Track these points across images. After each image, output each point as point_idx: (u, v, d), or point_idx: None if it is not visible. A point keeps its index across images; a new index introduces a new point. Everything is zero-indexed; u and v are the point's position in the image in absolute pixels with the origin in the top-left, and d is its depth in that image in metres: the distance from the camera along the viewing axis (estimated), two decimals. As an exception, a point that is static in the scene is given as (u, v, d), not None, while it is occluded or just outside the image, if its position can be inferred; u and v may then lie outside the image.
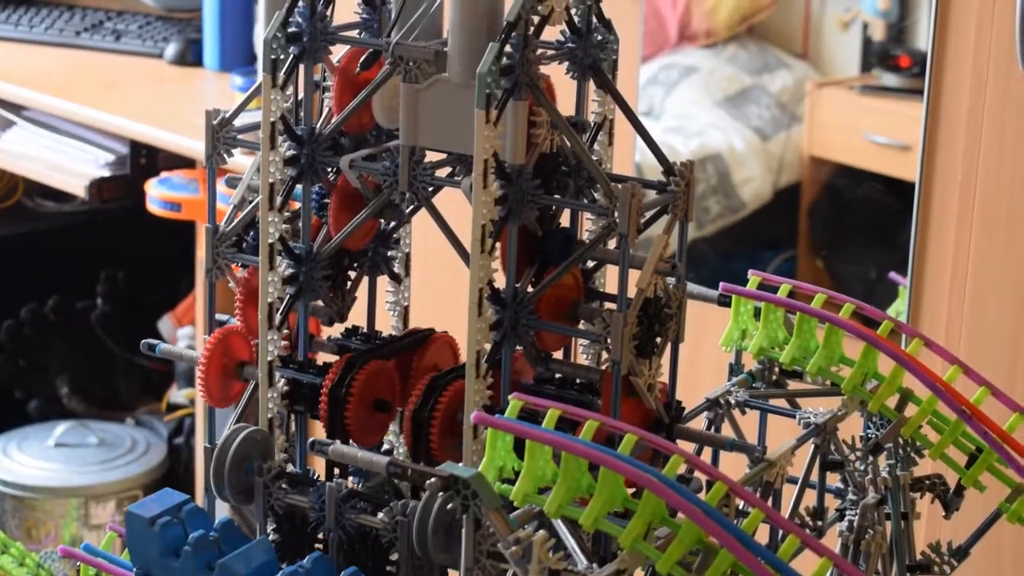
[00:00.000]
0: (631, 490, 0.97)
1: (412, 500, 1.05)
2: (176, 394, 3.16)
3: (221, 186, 1.18)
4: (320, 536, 1.11)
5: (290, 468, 1.15)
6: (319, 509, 1.09)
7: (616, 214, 1.03)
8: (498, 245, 1.05)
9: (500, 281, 1.05)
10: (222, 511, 2.07)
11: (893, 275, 1.87)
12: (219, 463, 1.11)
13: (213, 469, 1.11)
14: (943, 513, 1.18)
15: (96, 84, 2.88)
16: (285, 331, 1.14)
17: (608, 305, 1.12)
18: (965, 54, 1.79)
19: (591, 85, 1.12)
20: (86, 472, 3.01)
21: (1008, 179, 1.79)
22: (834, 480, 1.18)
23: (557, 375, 1.12)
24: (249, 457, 1.11)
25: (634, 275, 1.05)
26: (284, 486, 1.11)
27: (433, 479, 0.95)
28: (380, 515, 1.06)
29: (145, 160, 2.75)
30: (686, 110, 2.19)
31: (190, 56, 2.97)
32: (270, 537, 1.11)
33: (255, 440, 1.12)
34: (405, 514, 1.04)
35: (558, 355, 1.13)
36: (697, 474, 1.04)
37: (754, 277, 1.19)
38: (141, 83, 2.90)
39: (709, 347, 1.21)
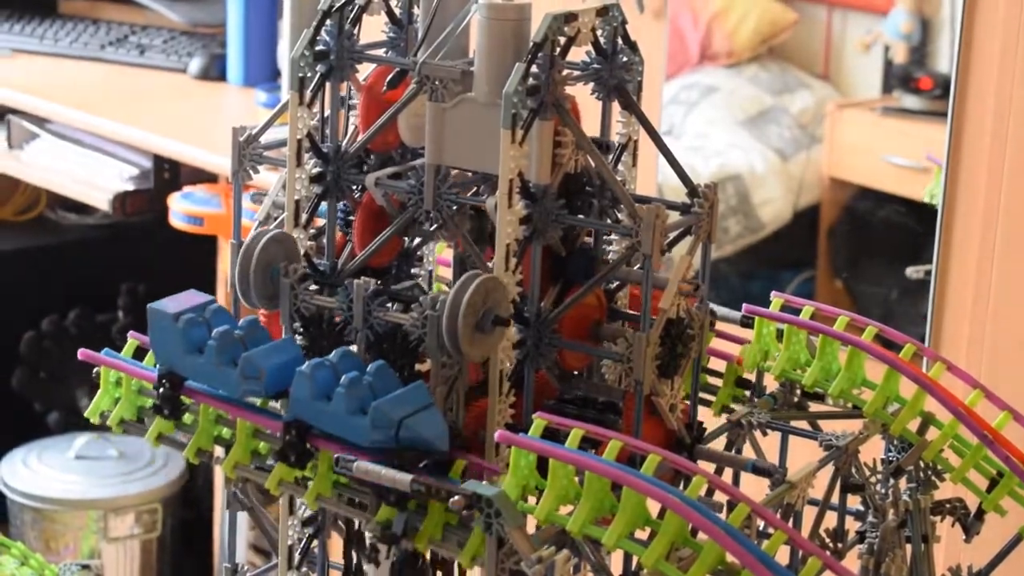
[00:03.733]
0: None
1: (441, 295, 1.02)
2: (195, 408, 3.17)
3: (246, 202, 1.19)
4: (347, 338, 1.08)
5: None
6: (347, 309, 1.07)
7: (640, 235, 1.03)
8: (521, 264, 1.05)
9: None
10: (240, 532, 2.07)
11: (930, 156, 1.86)
12: (244, 267, 1.08)
13: (238, 273, 1.09)
14: (963, 537, 1.18)
15: (120, 98, 2.89)
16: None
17: (630, 325, 1.12)
18: (989, 77, 1.79)
19: (616, 106, 1.12)
20: (105, 485, 3.01)
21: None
22: (855, 502, 1.18)
23: (579, 394, 1.12)
24: (274, 261, 1.09)
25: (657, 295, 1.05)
26: (311, 287, 1.09)
27: (457, 496, 0.95)
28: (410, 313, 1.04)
29: (168, 174, 2.76)
30: (706, 130, 2.20)
31: (214, 71, 2.98)
32: (297, 342, 1.09)
33: (279, 243, 1.09)
34: (435, 308, 1.02)
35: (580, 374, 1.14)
36: (718, 495, 1.03)
37: (776, 299, 1.19)
38: (165, 97, 2.91)
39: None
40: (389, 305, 1.07)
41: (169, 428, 1.10)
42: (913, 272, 1.93)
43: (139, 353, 1.14)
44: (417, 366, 1.07)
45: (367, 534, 1.10)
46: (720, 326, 1.18)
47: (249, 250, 1.09)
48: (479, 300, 1.01)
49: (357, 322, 1.06)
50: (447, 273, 1.18)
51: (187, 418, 1.10)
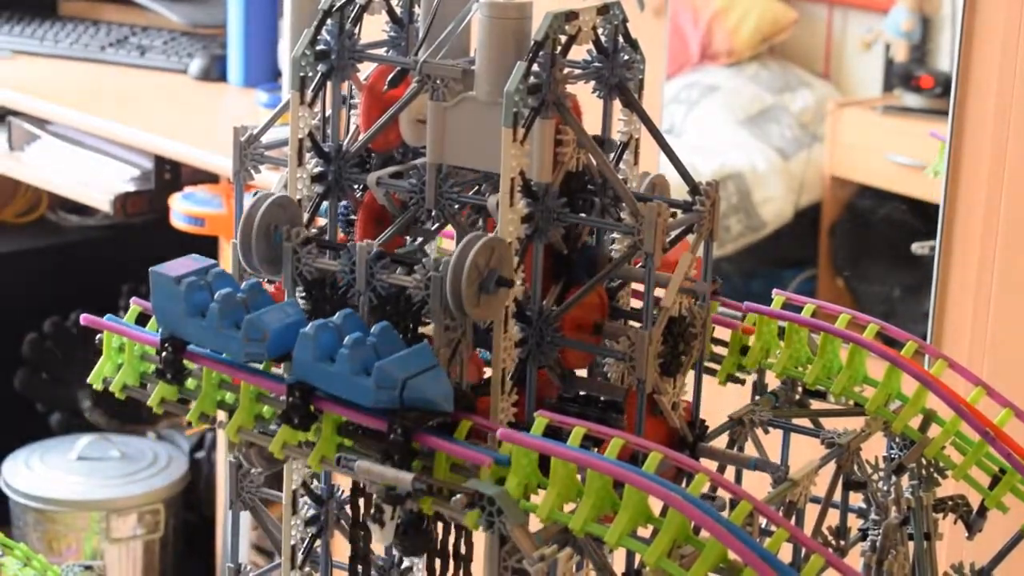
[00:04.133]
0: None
1: (445, 257, 1.01)
2: (197, 408, 3.17)
3: (248, 202, 1.19)
4: (351, 301, 1.07)
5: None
6: (349, 272, 1.06)
7: (642, 233, 1.03)
8: (523, 263, 1.05)
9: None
10: (243, 532, 2.07)
11: (933, 132, 1.85)
12: (246, 230, 1.08)
13: (240, 237, 1.08)
14: (966, 534, 1.18)
15: (121, 99, 2.90)
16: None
17: (633, 323, 1.12)
18: (990, 75, 1.79)
19: (617, 104, 1.12)
20: (108, 486, 3.01)
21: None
22: (857, 500, 1.18)
23: (581, 393, 1.12)
24: (276, 224, 1.08)
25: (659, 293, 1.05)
26: (313, 250, 1.08)
27: (459, 495, 0.95)
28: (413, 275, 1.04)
29: (169, 175, 2.76)
30: (707, 129, 2.20)
31: (214, 72, 2.98)
32: (300, 306, 1.08)
33: (281, 207, 1.08)
34: (438, 270, 1.01)
35: (582, 373, 1.14)
36: (721, 492, 1.04)
37: (778, 297, 1.19)
38: (165, 98, 2.91)
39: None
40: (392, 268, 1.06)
41: (172, 393, 1.09)
42: (918, 248, 1.92)
43: (142, 319, 1.14)
44: (420, 329, 1.06)
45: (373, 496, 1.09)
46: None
47: (251, 214, 1.08)
48: (483, 261, 1.00)
49: (360, 285, 1.05)
50: (451, 246, 1.17)
51: (190, 383, 1.09)
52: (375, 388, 0.98)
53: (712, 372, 1.17)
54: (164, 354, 1.07)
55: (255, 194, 1.09)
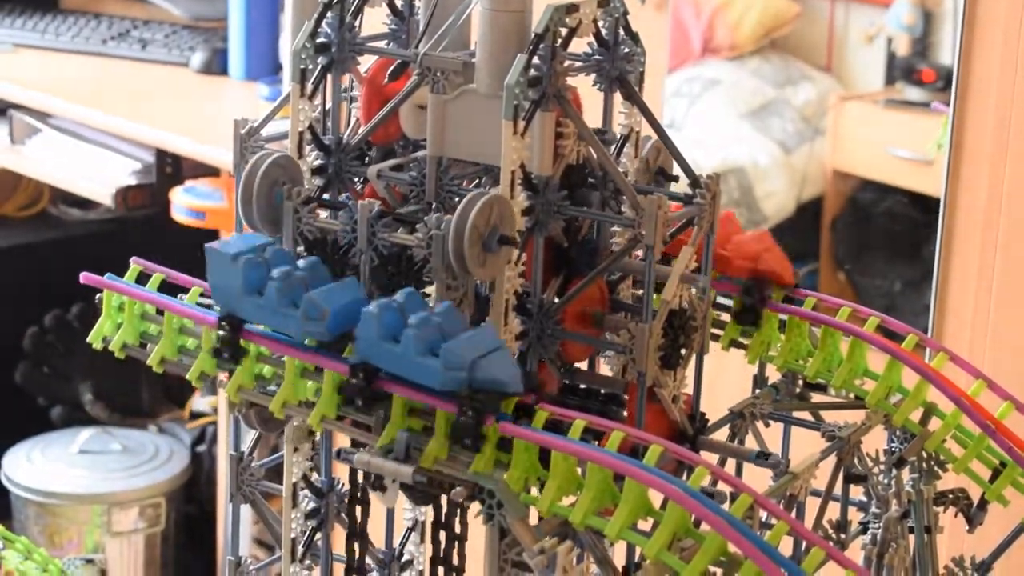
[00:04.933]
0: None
1: (447, 215, 1.01)
2: (199, 402, 3.17)
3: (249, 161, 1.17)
4: (352, 261, 1.07)
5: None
6: (351, 231, 1.06)
7: (642, 226, 1.03)
8: (524, 255, 1.05)
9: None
10: (243, 526, 2.07)
11: (936, 105, 1.85)
12: (247, 189, 1.07)
13: (241, 196, 1.07)
14: (966, 527, 1.18)
15: (122, 93, 2.90)
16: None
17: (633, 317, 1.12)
18: (991, 69, 1.79)
19: (617, 97, 1.12)
20: (109, 479, 3.02)
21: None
22: (857, 493, 1.18)
23: (581, 386, 1.12)
24: (277, 183, 1.07)
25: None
26: (314, 209, 1.07)
27: (459, 487, 0.95)
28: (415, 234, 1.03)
29: (170, 168, 2.76)
30: (709, 122, 2.20)
31: (216, 65, 2.98)
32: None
33: (282, 166, 1.07)
34: (440, 228, 1.00)
35: (582, 365, 1.14)
36: (721, 486, 1.04)
37: (778, 291, 1.19)
38: (167, 92, 2.91)
39: (733, 359, 1.21)
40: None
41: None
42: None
43: (142, 279, 1.13)
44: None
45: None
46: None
47: (252, 173, 1.07)
48: (484, 219, 0.99)
49: (361, 244, 1.05)
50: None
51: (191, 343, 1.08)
52: (444, 370, 0.95)
53: (716, 338, 1.17)
54: (221, 333, 1.05)
55: (256, 155, 1.08)
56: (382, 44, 1.15)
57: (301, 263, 1.02)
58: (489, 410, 0.96)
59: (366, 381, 0.99)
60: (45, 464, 3.04)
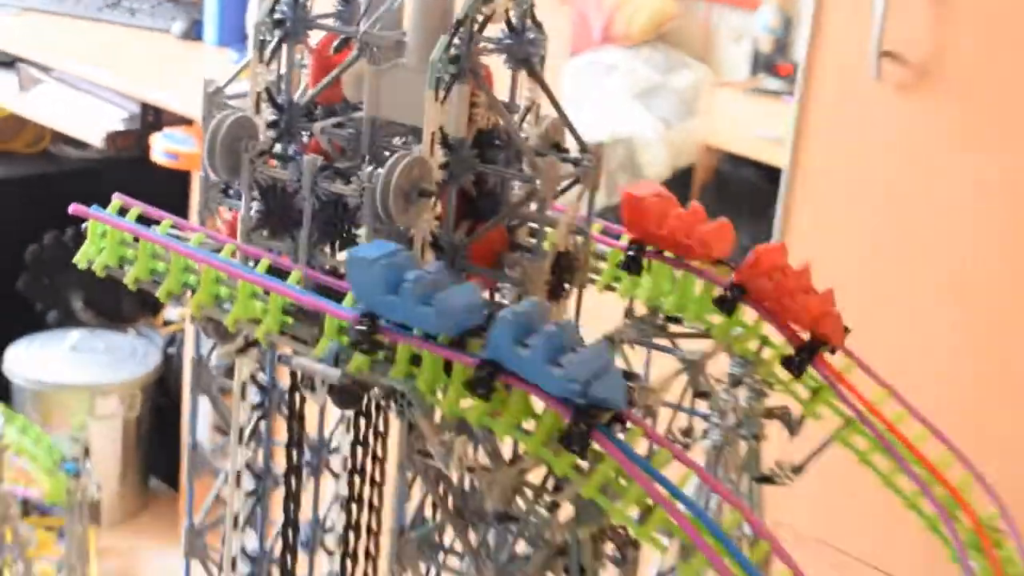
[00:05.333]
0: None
1: (377, 170, 1.01)
2: (171, 311, 3.16)
3: (213, 120, 1.17)
4: (297, 205, 1.07)
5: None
6: (296, 180, 1.06)
7: (538, 182, 1.04)
8: (440, 202, 1.06)
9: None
10: (202, 414, 2.05)
11: (788, 97, 1.87)
12: (211, 143, 1.07)
13: (206, 149, 1.08)
14: (788, 436, 1.21)
15: (114, 53, 2.85)
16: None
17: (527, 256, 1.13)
18: (833, 65, 1.81)
19: (523, 75, 1.12)
20: (94, 372, 3.00)
21: (860, 171, 1.82)
22: (703, 406, 1.20)
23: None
24: (236, 138, 1.08)
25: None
26: (267, 161, 1.08)
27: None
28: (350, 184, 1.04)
29: (152, 117, 2.73)
30: (606, 100, 2.20)
31: (194, 33, 2.94)
32: (254, 208, 1.08)
33: (241, 125, 1.08)
34: (371, 182, 1.02)
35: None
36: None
37: (597, 224, 1.17)
38: (151, 54, 2.87)
39: (610, 295, 1.22)
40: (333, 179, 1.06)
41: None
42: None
43: (122, 212, 1.13)
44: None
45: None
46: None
47: (216, 129, 1.07)
48: (407, 176, 1.01)
49: (305, 191, 1.05)
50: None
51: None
52: (565, 380, 0.92)
53: (592, 282, 1.18)
54: (361, 327, 0.99)
55: (220, 114, 1.08)
56: (329, 21, 1.15)
57: (429, 267, 0.99)
58: (597, 425, 0.94)
59: (490, 376, 0.96)
60: (41, 358, 3.01)
